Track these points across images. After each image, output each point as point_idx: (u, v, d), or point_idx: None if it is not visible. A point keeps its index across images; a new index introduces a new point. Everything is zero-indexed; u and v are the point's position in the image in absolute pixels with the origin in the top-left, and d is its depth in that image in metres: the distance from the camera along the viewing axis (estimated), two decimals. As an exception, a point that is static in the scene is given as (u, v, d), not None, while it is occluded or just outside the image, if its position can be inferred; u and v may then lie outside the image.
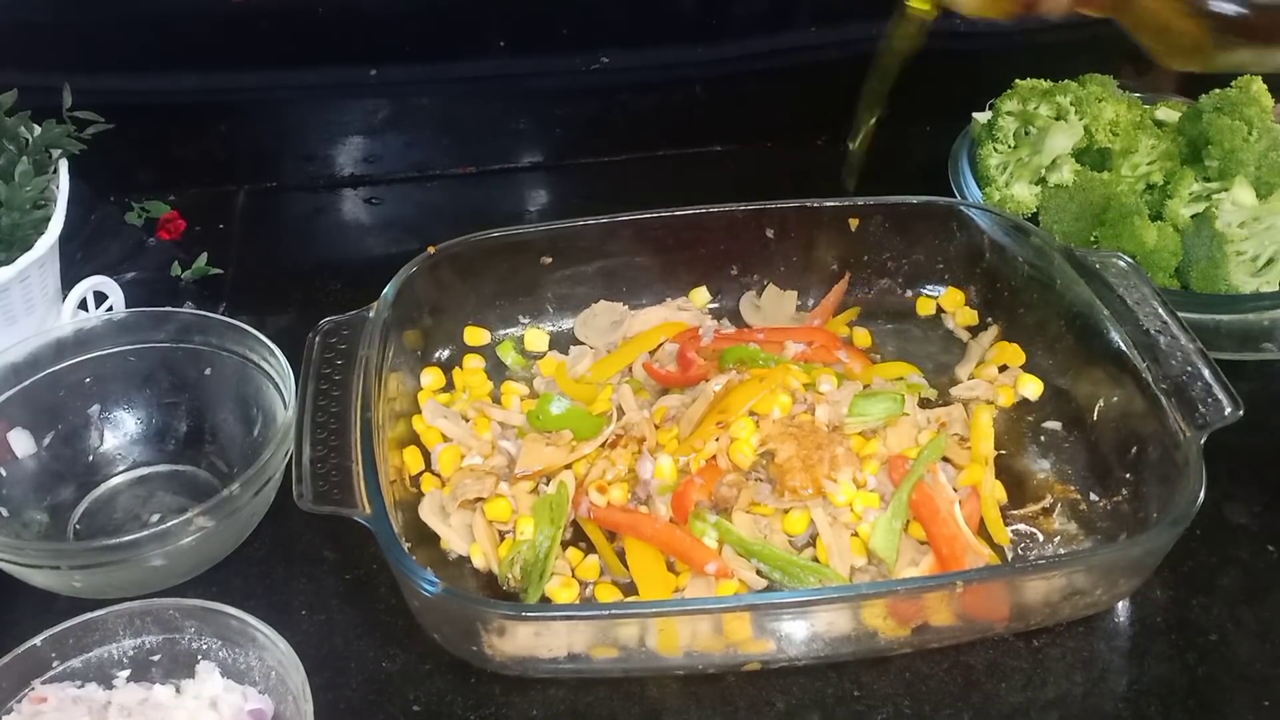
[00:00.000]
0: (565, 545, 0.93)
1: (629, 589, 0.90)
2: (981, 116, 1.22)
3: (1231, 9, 0.87)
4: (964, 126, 1.24)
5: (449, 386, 1.05)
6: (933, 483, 0.92)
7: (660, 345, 1.06)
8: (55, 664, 0.81)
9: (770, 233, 1.09)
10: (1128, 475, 0.93)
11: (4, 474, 0.96)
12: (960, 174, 1.20)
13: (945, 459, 0.95)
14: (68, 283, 1.05)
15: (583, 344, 1.09)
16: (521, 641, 0.82)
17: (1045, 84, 1.19)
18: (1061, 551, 0.93)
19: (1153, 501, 0.90)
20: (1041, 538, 0.94)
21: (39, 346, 0.98)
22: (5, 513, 0.94)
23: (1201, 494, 0.82)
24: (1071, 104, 1.15)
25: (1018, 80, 1.20)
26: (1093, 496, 0.95)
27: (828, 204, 1.08)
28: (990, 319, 1.09)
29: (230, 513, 0.89)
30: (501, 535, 0.93)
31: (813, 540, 0.91)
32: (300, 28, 1.26)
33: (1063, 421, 1.01)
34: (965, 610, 0.85)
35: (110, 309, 1.08)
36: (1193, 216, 1.09)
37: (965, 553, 0.89)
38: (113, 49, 1.23)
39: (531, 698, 0.85)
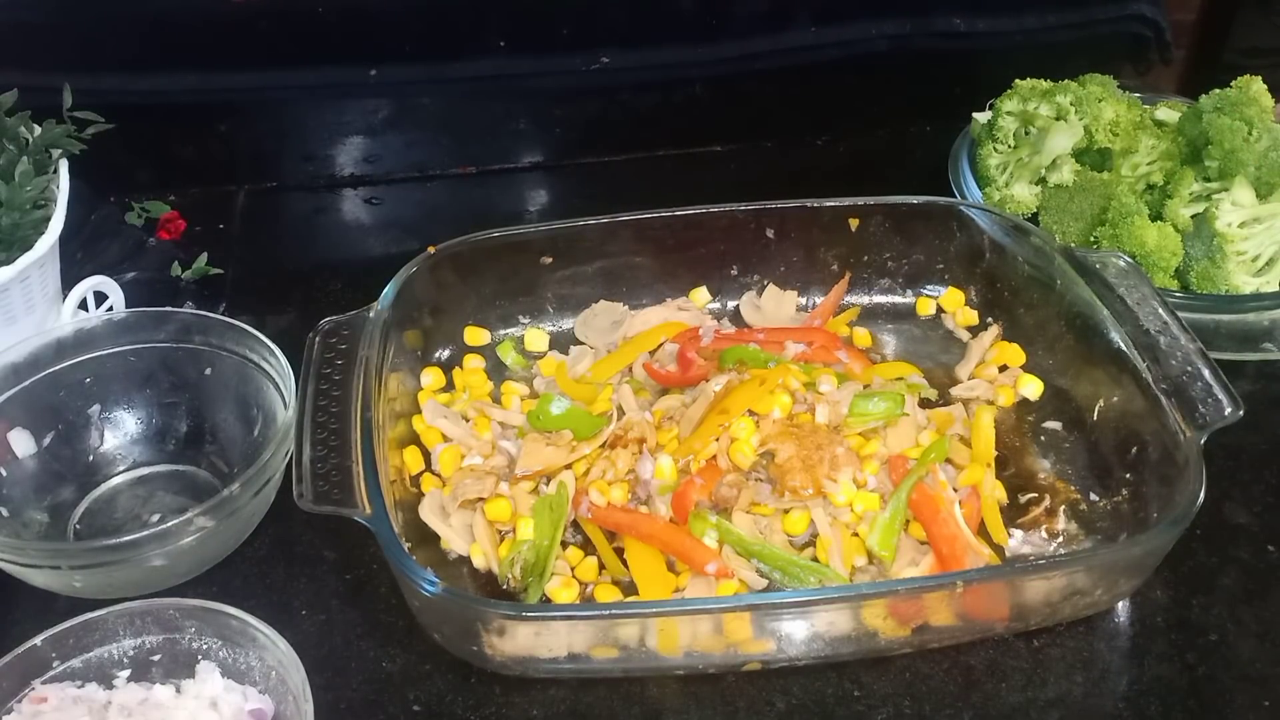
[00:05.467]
0: (565, 545, 0.93)
1: (629, 589, 0.90)
2: (981, 116, 1.22)
3: None
4: (964, 126, 1.24)
5: (449, 386, 1.05)
6: (933, 483, 0.92)
7: (660, 345, 1.06)
8: (55, 664, 0.81)
9: (770, 233, 1.09)
10: (1128, 475, 0.93)
11: (4, 474, 0.96)
12: (960, 174, 1.20)
13: (946, 459, 0.95)
14: (68, 283, 1.05)
15: (583, 344, 1.09)
16: (521, 641, 0.82)
17: (1045, 84, 1.19)
18: (1062, 551, 0.93)
19: (1153, 501, 0.90)
20: (1042, 538, 0.94)
21: (39, 346, 0.98)
22: (5, 513, 0.94)
23: (1201, 494, 0.83)
24: (1071, 104, 1.15)
25: (1018, 80, 1.20)
26: (1093, 496, 0.95)
27: (828, 204, 1.08)
28: (990, 319, 1.09)
29: (230, 513, 0.89)
30: (501, 535, 0.93)
31: (813, 540, 0.91)
32: (300, 28, 1.26)
33: (1063, 421, 1.01)
34: (965, 610, 0.85)
35: (110, 309, 1.07)
36: (1193, 216, 1.09)
37: (965, 553, 0.89)
38: (113, 49, 1.23)
39: (531, 698, 0.85)
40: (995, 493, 0.95)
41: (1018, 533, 0.94)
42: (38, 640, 0.80)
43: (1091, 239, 1.11)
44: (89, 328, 1.00)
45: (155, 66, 1.25)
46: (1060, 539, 0.93)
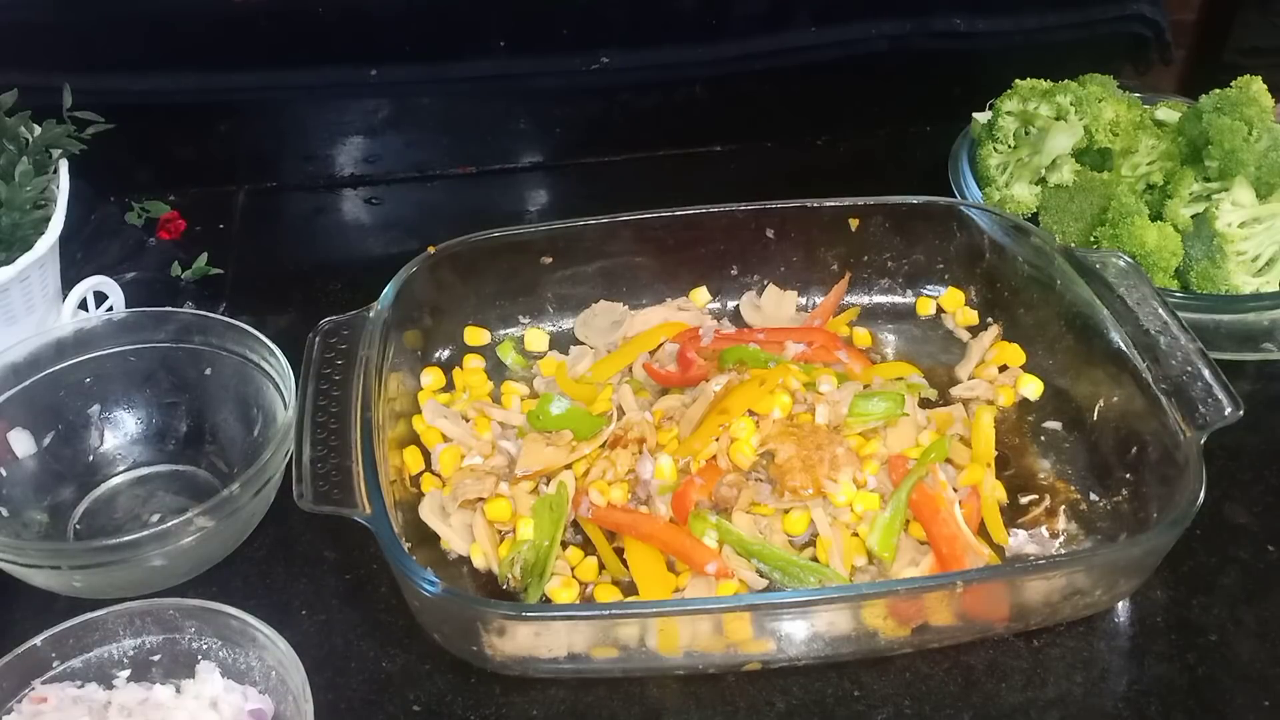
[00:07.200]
0: (565, 545, 0.93)
1: (629, 589, 0.90)
2: (981, 116, 1.22)
3: None
4: (964, 126, 1.24)
5: (449, 386, 1.05)
6: (933, 483, 0.92)
7: (660, 345, 1.06)
8: (55, 664, 0.81)
9: (770, 233, 1.09)
10: (1128, 475, 0.93)
11: (4, 474, 0.96)
12: (960, 174, 1.20)
13: (946, 459, 0.95)
14: (68, 283, 1.05)
15: (583, 344, 1.09)
16: (521, 641, 0.82)
17: (1045, 84, 1.19)
18: (1062, 551, 0.93)
19: (1153, 501, 0.90)
20: (1042, 537, 0.94)
21: (39, 346, 0.98)
22: (5, 513, 0.94)
23: (1201, 494, 0.83)
24: (1071, 104, 1.15)
25: (1018, 80, 1.20)
26: (1093, 496, 0.95)
27: (828, 204, 1.08)
28: (990, 319, 1.09)
29: (230, 513, 0.89)
30: (501, 535, 0.93)
31: (813, 540, 0.91)
32: (300, 28, 1.26)
33: (1063, 421, 1.01)
34: (965, 610, 0.85)
35: (110, 309, 1.08)
36: (1193, 216, 1.09)
37: (965, 553, 0.89)
38: (113, 49, 1.23)
39: (531, 698, 0.85)
40: (995, 493, 0.95)
41: (1018, 533, 0.94)
42: (38, 640, 0.80)
43: (1091, 239, 1.11)
44: (89, 328, 1.00)
45: (155, 66, 1.25)
46: (1060, 539, 0.93)
